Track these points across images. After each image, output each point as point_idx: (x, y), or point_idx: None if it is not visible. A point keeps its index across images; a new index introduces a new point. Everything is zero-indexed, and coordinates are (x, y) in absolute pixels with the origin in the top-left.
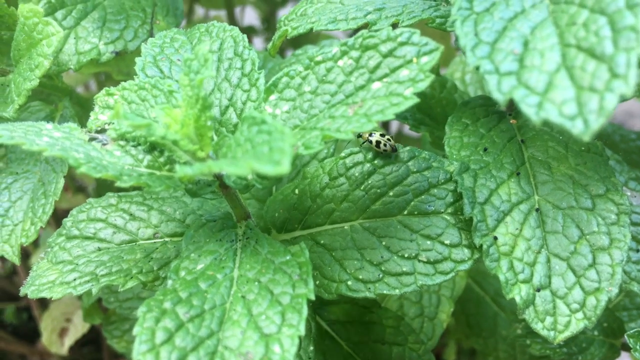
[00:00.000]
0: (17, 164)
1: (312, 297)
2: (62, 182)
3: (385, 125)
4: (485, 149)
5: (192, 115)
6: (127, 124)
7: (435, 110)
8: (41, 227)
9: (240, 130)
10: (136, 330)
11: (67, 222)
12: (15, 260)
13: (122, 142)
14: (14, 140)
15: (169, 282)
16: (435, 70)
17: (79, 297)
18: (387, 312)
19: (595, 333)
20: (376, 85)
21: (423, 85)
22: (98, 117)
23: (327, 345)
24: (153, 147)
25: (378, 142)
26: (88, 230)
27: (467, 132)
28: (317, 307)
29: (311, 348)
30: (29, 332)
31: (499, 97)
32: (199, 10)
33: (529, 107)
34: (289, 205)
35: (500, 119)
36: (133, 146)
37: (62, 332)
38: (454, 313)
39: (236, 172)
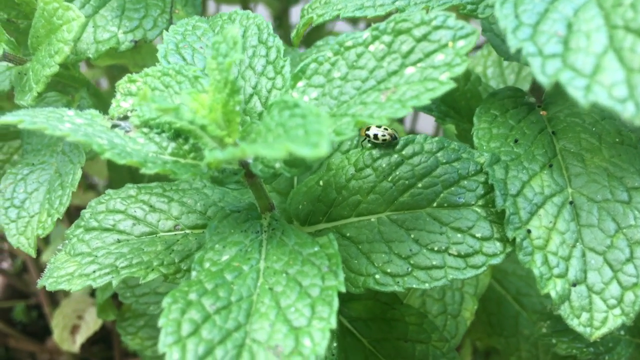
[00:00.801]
0: (33, 155)
1: (343, 289)
2: (79, 173)
3: (400, 121)
4: (515, 140)
5: (220, 100)
6: (154, 108)
7: (459, 103)
8: (58, 219)
9: (270, 116)
10: (161, 321)
11: (86, 213)
12: (31, 252)
13: (145, 130)
14: (36, 125)
15: (193, 273)
16: None
17: (91, 294)
18: (409, 309)
19: (622, 333)
20: (410, 70)
21: (460, 70)
22: (120, 104)
23: (348, 342)
24: (177, 135)
25: (376, 135)
26: (107, 221)
27: (496, 124)
28: (339, 304)
29: (334, 344)
30: (39, 331)
31: (544, 80)
32: (211, 6)
33: (576, 90)
34: (313, 197)
35: (529, 111)
36: (157, 133)
37: (74, 330)
38: (475, 312)
39: (271, 155)
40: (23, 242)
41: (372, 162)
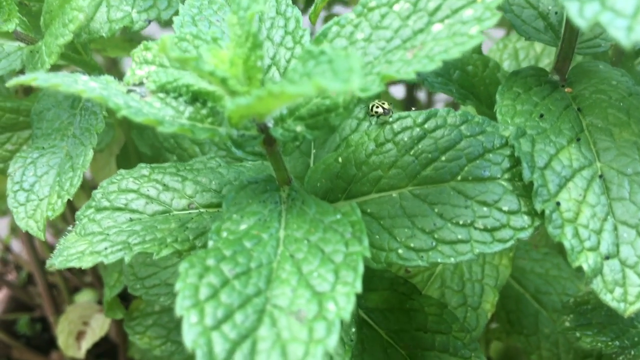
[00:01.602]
0: (43, 139)
1: (368, 254)
2: (90, 154)
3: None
4: (541, 115)
5: (241, 54)
6: (173, 57)
7: (478, 88)
8: (68, 199)
9: (293, 70)
10: (178, 285)
11: (97, 193)
12: (40, 235)
13: (161, 95)
14: (49, 83)
15: (210, 242)
16: (477, 48)
17: (98, 301)
18: (429, 300)
19: None
20: (437, 27)
21: (490, 24)
22: (135, 72)
23: (365, 334)
24: (195, 99)
25: (372, 106)
26: (119, 201)
27: (520, 100)
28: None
29: (353, 330)
30: (43, 344)
31: (582, 23)
32: None
33: (618, 31)
34: (332, 174)
35: (553, 89)
36: (174, 98)
37: (79, 336)
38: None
39: (301, 92)
40: (32, 225)
41: (394, 136)
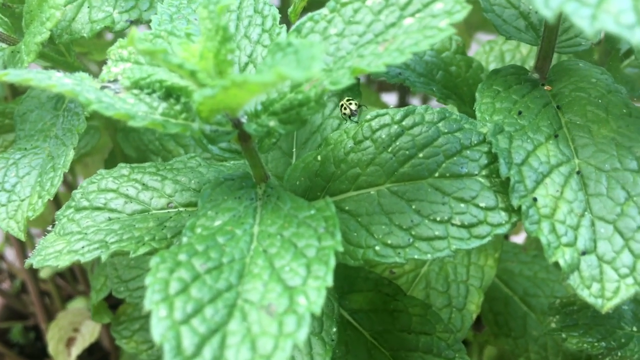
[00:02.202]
0: (26, 140)
1: (340, 249)
2: (71, 154)
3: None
4: (519, 112)
5: (211, 47)
6: (141, 50)
7: (461, 89)
8: (49, 200)
9: (263, 63)
10: (148, 280)
11: (77, 193)
12: (21, 236)
13: (135, 91)
14: (20, 77)
15: (184, 238)
16: (461, 49)
17: (89, 307)
18: (413, 300)
19: (634, 329)
20: (408, 21)
21: (460, 17)
22: (111, 69)
23: (349, 335)
24: (169, 95)
25: (342, 106)
26: (98, 200)
27: (499, 98)
28: (339, 296)
29: (334, 330)
30: (36, 352)
31: (548, 14)
32: None
33: (582, 19)
34: (311, 172)
35: (533, 87)
36: (147, 94)
37: (69, 342)
38: (481, 312)
39: (262, 81)
40: (13, 226)
41: (372, 133)
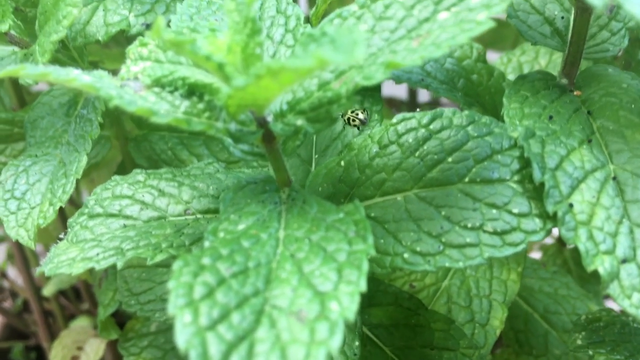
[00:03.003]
0: (36, 147)
1: (373, 252)
2: (84, 160)
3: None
4: (550, 117)
5: (239, 41)
6: (168, 40)
7: (483, 97)
8: (60, 207)
9: (294, 57)
10: (171, 284)
11: (90, 200)
12: (31, 244)
13: (157, 89)
14: (37, 72)
15: (206, 243)
16: (482, 57)
17: (94, 326)
18: (435, 315)
19: None
20: (443, 15)
21: (498, 9)
22: (130, 68)
23: (368, 351)
24: (191, 92)
25: (349, 119)
26: (113, 207)
27: (528, 103)
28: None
29: (357, 344)
30: None
31: (597, 3)
32: None
33: (634, 6)
34: (334, 178)
35: (562, 93)
36: (169, 92)
37: None
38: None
39: (301, 66)
40: (22, 234)
41: (398, 138)
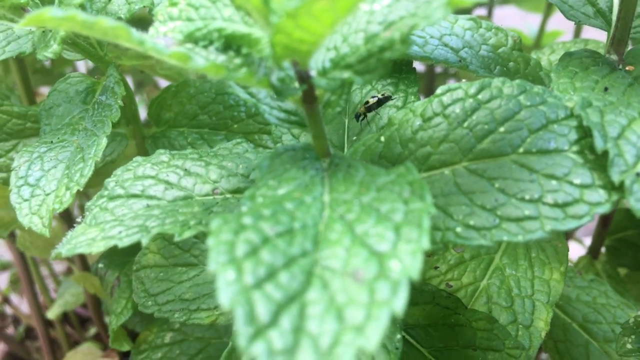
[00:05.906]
0: (52, 134)
1: (433, 211)
2: (104, 142)
3: None
4: (605, 89)
5: None
6: None
7: None
8: (78, 191)
9: None
10: (211, 241)
11: (110, 182)
12: (45, 232)
13: (189, 45)
14: (64, 15)
15: (243, 207)
16: (517, 46)
17: (102, 347)
18: (476, 314)
19: None
20: None
21: None
22: (159, 29)
23: (405, 353)
24: (228, 46)
25: (367, 102)
26: (135, 188)
27: (578, 78)
28: None
29: (398, 336)
30: None
31: None
32: None
33: None
34: (374, 154)
35: (612, 69)
36: (203, 47)
37: None
38: None
39: None
40: (36, 221)
41: (443, 109)
